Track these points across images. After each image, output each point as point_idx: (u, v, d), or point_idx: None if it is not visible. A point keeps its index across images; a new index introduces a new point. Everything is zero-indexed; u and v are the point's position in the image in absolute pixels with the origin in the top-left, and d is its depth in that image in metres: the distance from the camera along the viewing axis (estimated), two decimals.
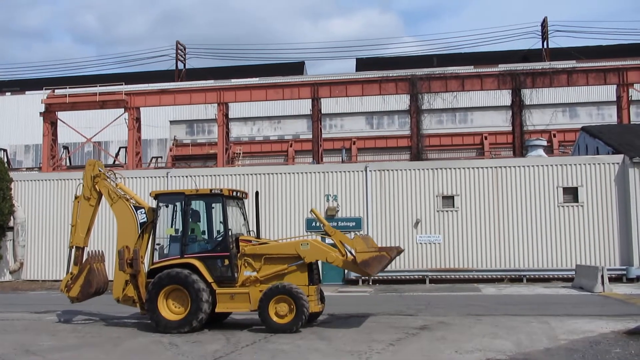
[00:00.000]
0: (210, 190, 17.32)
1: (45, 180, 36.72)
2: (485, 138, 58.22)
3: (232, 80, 53.48)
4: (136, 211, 17.53)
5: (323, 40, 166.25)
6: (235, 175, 34.27)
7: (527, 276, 31.28)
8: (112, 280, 17.79)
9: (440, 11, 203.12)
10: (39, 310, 21.24)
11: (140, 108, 49.45)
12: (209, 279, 16.15)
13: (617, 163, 31.67)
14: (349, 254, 16.16)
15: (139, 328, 16.87)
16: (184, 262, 16.36)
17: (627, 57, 53.51)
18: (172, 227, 17.09)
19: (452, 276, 31.76)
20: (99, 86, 49.21)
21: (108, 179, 18.27)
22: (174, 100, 49.58)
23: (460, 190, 32.55)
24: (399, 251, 17.03)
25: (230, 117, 51.43)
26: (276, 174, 34.02)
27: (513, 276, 31.49)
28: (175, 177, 34.64)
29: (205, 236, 17.45)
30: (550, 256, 31.59)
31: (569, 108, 63.24)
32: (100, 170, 18.25)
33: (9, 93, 73.31)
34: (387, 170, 33.40)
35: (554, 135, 56.01)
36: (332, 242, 16.54)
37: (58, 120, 50.21)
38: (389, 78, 46.83)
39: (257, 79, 53.14)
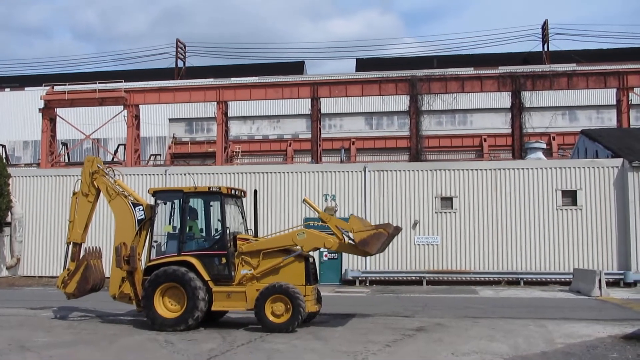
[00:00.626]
0: (209, 188, 17.24)
1: (44, 176, 36.64)
2: (485, 140, 58.18)
3: (232, 78, 53.42)
4: (134, 208, 17.47)
5: (323, 40, 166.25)
6: (233, 173, 34.21)
7: (525, 279, 31.23)
8: (109, 277, 17.73)
9: (441, 13, 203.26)
10: (35, 306, 21.18)
11: (140, 105, 49.33)
12: (206, 277, 16.10)
13: (617, 167, 31.63)
14: (346, 238, 16.16)
15: (134, 325, 16.82)
16: (181, 259, 16.31)
17: (627, 61, 53.55)
18: (169, 224, 17.05)
19: (450, 278, 31.72)
20: (99, 83, 49.14)
21: (107, 176, 18.22)
22: (173, 98, 49.52)
23: (459, 191, 32.50)
24: (397, 229, 16.87)
25: (230, 115, 51.39)
26: (275, 173, 33.96)
27: (511, 279, 31.41)
28: (173, 174, 34.58)
29: (203, 234, 17.39)
30: (548, 259, 31.54)
31: (568, 111, 63.23)
32: (99, 167, 18.20)
33: (8, 89, 73.19)
34: (386, 170, 33.35)
35: (554, 138, 56.03)
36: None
37: (57, 117, 50.13)
38: (389, 78, 46.79)
39: (257, 77, 53.08)
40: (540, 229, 31.75)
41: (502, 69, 47.72)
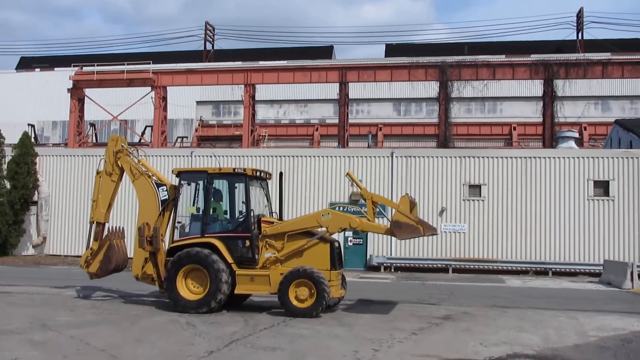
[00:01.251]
0: (234, 169, 16.90)
1: (70, 155, 36.71)
2: (514, 129, 57.33)
3: (260, 62, 53.10)
4: (158, 188, 17.21)
5: (352, 25, 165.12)
6: (259, 156, 33.95)
7: (553, 269, 30.63)
8: (131, 258, 17.54)
9: (473, 0, 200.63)
10: (59, 285, 21.11)
11: (167, 87, 49.36)
12: (229, 259, 15.81)
13: None
14: (377, 221, 16.02)
15: (157, 307, 16.60)
16: (205, 241, 16.02)
17: None
18: (193, 205, 16.76)
19: (476, 266, 31.22)
20: (127, 64, 49.14)
21: (130, 155, 17.98)
22: (201, 80, 49.44)
23: (487, 179, 31.93)
24: (433, 233, 16.42)
25: (257, 99, 51.14)
26: (300, 156, 33.64)
27: (538, 269, 30.84)
28: (199, 156, 34.43)
29: (227, 216, 17.11)
30: (577, 250, 30.91)
31: (601, 101, 62.11)
32: (122, 146, 17.95)
33: (38, 69, 73.71)
34: (414, 157, 32.87)
35: (585, 128, 54.95)
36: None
37: (85, 97, 50.31)
38: (419, 64, 46.16)
39: (285, 61, 52.69)
40: (570, 219, 31.10)
41: (534, 57, 46.75)
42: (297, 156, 33.67)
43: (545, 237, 31.14)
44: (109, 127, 60.15)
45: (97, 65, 50.10)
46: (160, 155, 34.35)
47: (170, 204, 17.04)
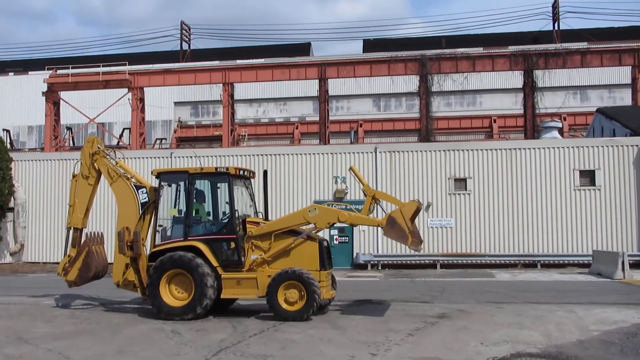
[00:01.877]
0: (216, 168, 16.23)
1: (46, 160, 35.78)
2: (494, 121, 57.14)
3: (238, 61, 52.38)
4: (137, 190, 16.49)
5: (329, 22, 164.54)
6: (240, 156, 33.24)
7: (542, 262, 30.29)
8: (112, 264, 16.83)
9: None
10: (37, 294, 20.29)
11: (144, 88, 48.51)
12: (214, 263, 15.16)
13: (637, 145, 30.58)
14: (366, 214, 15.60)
15: (140, 314, 15.90)
16: (188, 244, 15.35)
17: None
18: (175, 207, 16.06)
19: (464, 261, 30.78)
20: (102, 66, 48.19)
21: (108, 157, 17.25)
22: (178, 80, 48.59)
23: (472, 172, 31.51)
24: (417, 249, 15.34)
25: (236, 98, 50.53)
26: (283, 154, 32.99)
27: (527, 261, 30.48)
28: (179, 157, 33.69)
29: (210, 217, 16.45)
30: (565, 241, 30.58)
31: (579, 91, 62.24)
32: (99, 147, 17.21)
33: (12, 73, 72.35)
34: (397, 151, 32.35)
35: (564, 119, 54.74)
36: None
37: (61, 101, 49.32)
38: (398, 58, 45.72)
39: (263, 59, 52.02)
40: (557, 210, 30.78)
41: (512, 49, 46.48)
42: (279, 154, 33.02)
43: (533, 229, 30.79)
44: (86, 131, 59.09)
45: (72, 68, 49.06)
46: (138, 158, 33.54)
47: (150, 206, 16.34)
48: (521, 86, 45.87)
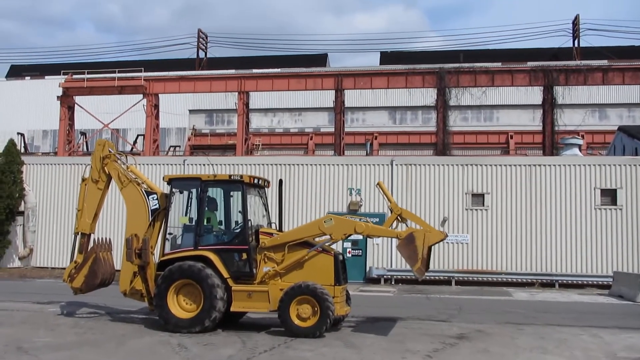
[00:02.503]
0: (230, 176, 15.66)
1: (58, 164, 35.38)
2: (511, 137, 56.45)
3: (254, 70, 52.04)
4: (148, 197, 15.95)
5: (346, 33, 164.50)
6: (254, 165, 32.73)
7: (560, 281, 29.44)
8: (119, 271, 16.28)
9: (467, 9, 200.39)
10: (42, 301, 19.77)
11: (159, 95, 48.19)
12: (225, 274, 14.57)
13: None
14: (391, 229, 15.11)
15: (146, 325, 15.33)
16: (198, 254, 14.78)
17: None
18: (186, 215, 15.51)
19: (480, 278, 29.97)
20: (118, 72, 47.96)
21: (119, 161, 16.75)
22: (193, 88, 48.23)
23: (491, 188, 30.79)
24: (420, 277, 14.74)
25: (250, 107, 50.07)
26: (297, 164, 32.44)
27: (544, 281, 29.65)
28: (192, 164, 33.21)
29: (222, 227, 15.89)
30: (585, 261, 29.74)
31: (598, 109, 61.41)
32: (110, 151, 16.72)
33: (29, 77, 72.43)
34: (414, 164, 31.70)
35: (582, 137, 53.93)
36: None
37: (75, 105, 49.09)
38: (416, 71, 45.24)
39: (279, 69, 51.64)
40: (577, 229, 29.95)
41: (531, 64, 45.83)
42: (293, 164, 32.47)
43: (551, 247, 29.99)
44: (100, 136, 58.67)
45: (88, 73, 48.83)
46: (151, 164, 33.09)
47: (161, 213, 15.79)
48: (539, 102, 45.19)
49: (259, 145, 57.73)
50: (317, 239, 15.06)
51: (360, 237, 29.16)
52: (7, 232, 33.75)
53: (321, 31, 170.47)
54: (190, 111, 64.86)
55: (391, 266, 30.64)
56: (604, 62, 46.38)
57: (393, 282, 30.25)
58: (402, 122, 63.93)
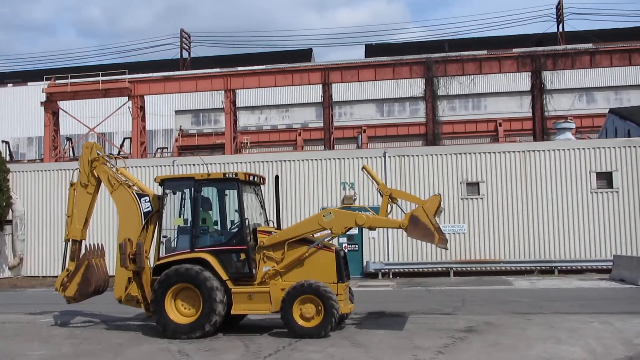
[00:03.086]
0: (224, 174, 15.10)
1: (45, 170, 34.70)
2: (500, 125, 56.24)
3: (239, 67, 51.45)
4: (139, 199, 15.41)
5: (330, 27, 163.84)
6: (245, 163, 32.15)
7: (559, 267, 29.12)
8: (113, 277, 15.74)
9: (449, 0, 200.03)
10: (35, 311, 19.19)
11: (145, 96, 47.57)
12: (224, 276, 14.07)
13: None
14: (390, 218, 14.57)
15: (143, 332, 14.81)
16: (195, 256, 14.25)
17: None
18: (180, 217, 14.97)
19: (478, 268, 29.62)
20: (102, 75, 47.25)
21: (108, 164, 16.21)
22: (179, 88, 47.60)
23: (485, 176, 30.42)
24: (444, 247, 14.53)
25: (237, 105, 49.51)
26: (289, 161, 31.96)
27: (543, 267, 29.29)
28: (182, 165, 32.66)
29: (218, 227, 15.36)
30: (583, 246, 29.44)
31: (585, 93, 61.25)
32: (98, 154, 16.15)
33: (11, 84, 71.49)
34: (407, 155, 31.28)
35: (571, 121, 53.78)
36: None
37: (60, 111, 48.40)
38: (403, 61, 44.88)
39: (264, 66, 51.09)
40: (574, 214, 29.64)
41: (517, 51, 45.54)
42: (285, 160, 31.99)
43: (549, 233, 29.67)
44: (86, 140, 58.08)
45: (71, 77, 48.10)
46: (140, 166, 32.49)
47: (154, 216, 15.25)
48: (526, 89, 45.05)
49: (247, 143, 57.25)
50: (316, 235, 14.59)
51: (356, 231, 29.21)
52: None
53: (304, 27, 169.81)
54: (177, 112, 64.25)
55: (388, 260, 30.25)
56: (589, 46, 46.19)
57: (391, 276, 29.86)
58: (390, 114, 63.59)
